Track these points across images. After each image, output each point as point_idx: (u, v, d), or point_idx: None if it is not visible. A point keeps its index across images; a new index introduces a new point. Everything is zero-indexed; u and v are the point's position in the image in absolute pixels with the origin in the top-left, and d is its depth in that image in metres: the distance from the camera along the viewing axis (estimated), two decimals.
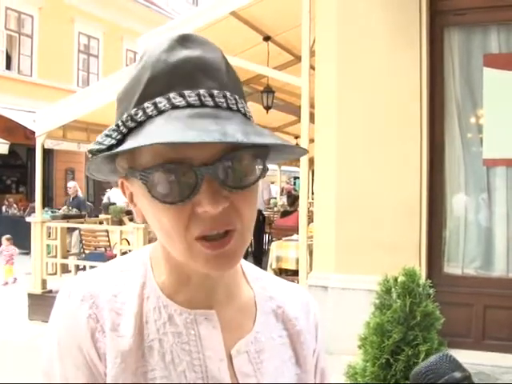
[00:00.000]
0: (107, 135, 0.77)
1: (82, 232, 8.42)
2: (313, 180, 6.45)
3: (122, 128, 0.76)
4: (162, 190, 0.73)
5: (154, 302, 0.83)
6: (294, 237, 7.00)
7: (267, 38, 8.02)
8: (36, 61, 17.57)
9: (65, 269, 7.83)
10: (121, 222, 9.30)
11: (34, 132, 7.72)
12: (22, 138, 15.10)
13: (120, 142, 0.76)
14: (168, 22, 9.70)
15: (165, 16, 21.45)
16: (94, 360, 0.78)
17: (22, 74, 17.30)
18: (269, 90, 9.02)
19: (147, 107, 0.74)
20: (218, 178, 0.73)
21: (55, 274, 7.75)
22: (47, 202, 15.01)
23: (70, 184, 12.66)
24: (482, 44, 5.17)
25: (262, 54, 7.92)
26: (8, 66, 17.07)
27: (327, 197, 5.49)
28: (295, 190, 14.68)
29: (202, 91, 0.74)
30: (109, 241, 8.05)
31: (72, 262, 8.01)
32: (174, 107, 0.73)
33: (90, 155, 0.80)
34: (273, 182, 18.63)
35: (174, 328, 0.82)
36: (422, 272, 4.56)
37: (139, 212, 0.82)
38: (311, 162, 6.23)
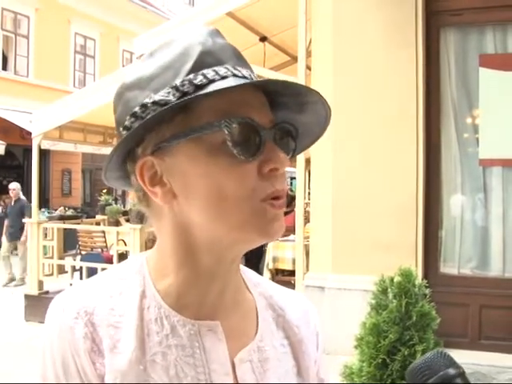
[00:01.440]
0: (167, 93, 0.76)
1: (78, 233, 8.41)
2: (309, 180, 6.45)
3: (173, 92, 0.75)
4: (239, 143, 0.74)
5: (154, 312, 0.79)
6: (291, 237, 7.01)
7: (263, 39, 8.03)
8: (32, 61, 17.55)
9: (61, 270, 7.83)
10: (117, 223, 9.30)
11: (31, 132, 7.71)
12: (18, 139, 15.08)
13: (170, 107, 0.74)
14: (164, 22, 9.70)
15: (161, 17, 21.44)
16: (91, 380, 0.75)
17: (18, 74, 17.27)
18: None
19: (207, 73, 0.75)
20: (276, 143, 0.77)
21: (52, 274, 7.74)
22: (43, 202, 14.99)
23: (12, 185, 10.75)
24: (478, 44, 5.18)
25: (258, 54, 7.92)
26: (4, 67, 17.04)
27: (324, 197, 5.49)
28: (291, 191, 14.66)
29: (248, 71, 0.79)
30: (105, 242, 8.04)
31: (68, 262, 8.00)
32: (234, 75, 0.76)
33: (131, 119, 0.77)
34: None
35: (178, 340, 0.78)
36: (418, 272, 4.58)
37: (169, 192, 0.77)
38: (307, 162, 6.24)
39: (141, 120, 0.76)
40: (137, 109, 0.77)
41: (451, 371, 0.76)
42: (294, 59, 7.34)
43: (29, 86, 17.03)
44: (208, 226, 0.76)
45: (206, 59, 0.76)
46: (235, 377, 0.80)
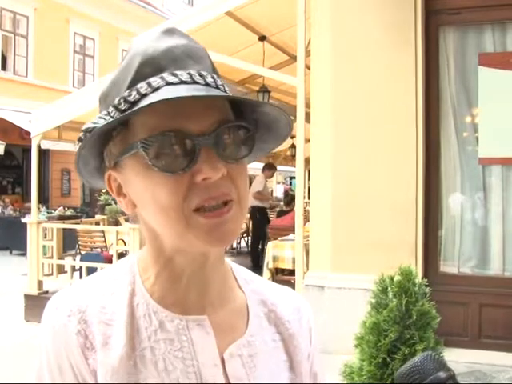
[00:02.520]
0: (100, 118, 0.78)
1: (78, 233, 8.40)
2: (309, 180, 6.45)
3: (113, 112, 0.77)
4: (163, 158, 0.74)
5: (143, 309, 0.81)
6: (291, 236, 7.00)
7: (263, 38, 8.03)
8: (31, 61, 17.53)
9: (61, 269, 7.82)
10: (117, 223, 9.28)
11: (30, 132, 7.70)
12: (17, 139, 15.08)
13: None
14: (163, 22, 9.70)
15: (160, 16, 21.42)
16: (84, 376, 0.77)
17: (17, 74, 17.26)
18: (264, 90, 9.02)
19: (140, 87, 0.76)
20: (215, 148, 0.75)
21: (51, 274, 7.73)
22: (43, 202, 14.97)
23: None
24: (477, 43, 5.18)
25: (257, 53, 7.91)
26: (3, 67, 17.03)
27: (323, 196, 5.49)
28: (291, 190, 14.68)
29: (192, 71, 0.77)
30: (105, 241, 8.03)
31: (68, 262, 7.99)
32: (169, 84, 0.75)
33: (77, 143, 0.80)
34: (279, 182, 18.94)
35: (166, 335, 0.80)
36: (418, 271, 4.57)
37: (129, 203, 0.82)
38: (307, 161, 6.23)
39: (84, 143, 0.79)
40: (80, 134, 0.80)
41: (442, 375, 0.76)
42: (293, 58, 7.33)
43: (28, 86, 17.02)
44: (162, 233, 0.79)
45: (144, 70, 0.76)
46: (225, 371, 0.81)
